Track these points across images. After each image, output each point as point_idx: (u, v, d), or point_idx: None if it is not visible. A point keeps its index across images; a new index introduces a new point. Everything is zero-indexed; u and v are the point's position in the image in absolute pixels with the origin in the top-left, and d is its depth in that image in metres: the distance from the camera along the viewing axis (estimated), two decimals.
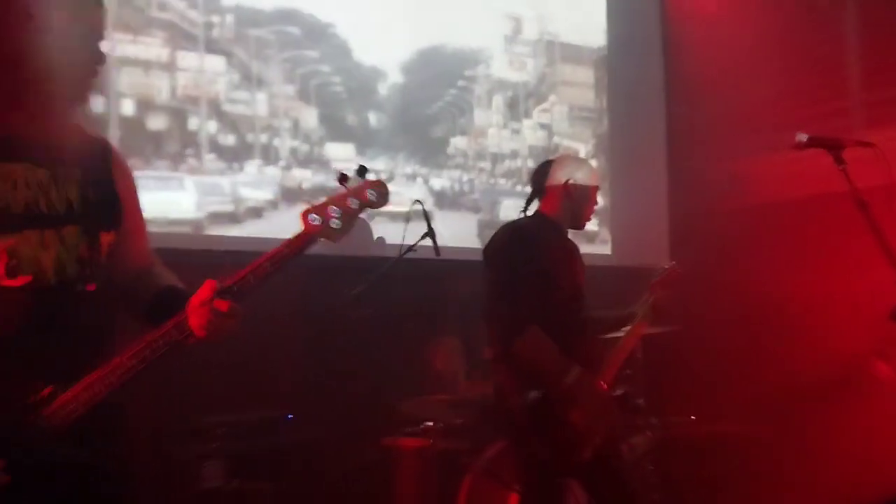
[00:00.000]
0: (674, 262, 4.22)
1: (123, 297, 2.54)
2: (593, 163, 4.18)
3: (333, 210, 2.34)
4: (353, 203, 2.35)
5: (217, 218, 5.58)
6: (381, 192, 2.39)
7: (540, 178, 4.17)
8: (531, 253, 3.90)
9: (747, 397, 5.79)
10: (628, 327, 4.13)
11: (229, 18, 5.71)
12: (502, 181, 6.81)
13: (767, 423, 5.77)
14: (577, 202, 4.07)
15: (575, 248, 4.19)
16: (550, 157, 4.28)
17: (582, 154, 7.00)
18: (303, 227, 2.34)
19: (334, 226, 2.34)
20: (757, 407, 5.81)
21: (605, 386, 3.87)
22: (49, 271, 2.29)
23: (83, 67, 2.34)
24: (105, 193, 2.45)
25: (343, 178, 2.37)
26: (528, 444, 3.85)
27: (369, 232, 5.98)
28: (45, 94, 2.29)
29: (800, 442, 5.56)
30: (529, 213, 4.17)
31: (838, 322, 5.29)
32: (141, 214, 2.61)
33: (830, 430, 5.33)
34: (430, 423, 4.98)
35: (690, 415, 5.59)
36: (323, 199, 2.35)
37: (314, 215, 2.33)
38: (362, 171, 2.39)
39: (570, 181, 4.05)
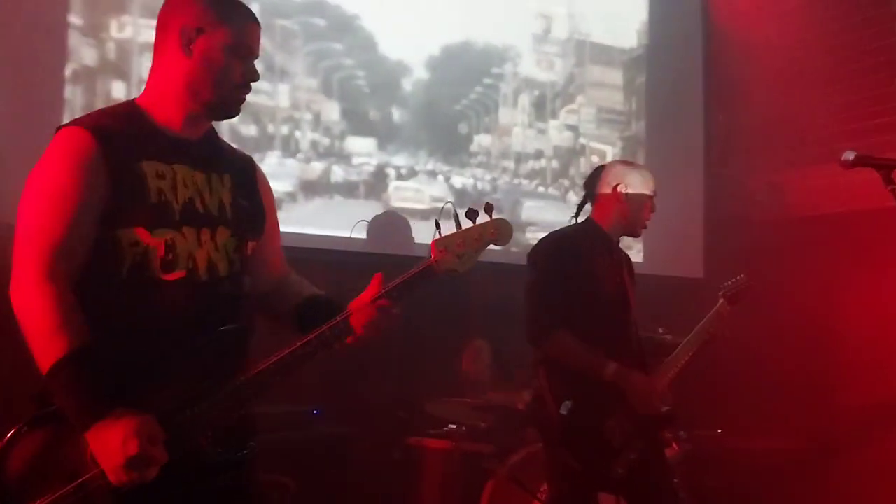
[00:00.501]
0: (742, 275, 4.14)
1: (262, 304, 2.70)
2: (645, 171, 4.06)
3: (461, 244, 2.50)
4: (481, 239, 2.53)
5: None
6: (506, 233, 2.57)
7: (591, 183, 4.14)
8: (570, 261, 3.89)
9: (779, 413, 5.77)
10: (686, 338, 4.09)
11: (255, 7, 5.57)
12: (525, 181, 6.73)
13: (798, 440, 5.75)
14: (628, 209, 4.01)
15: (624, 260, 4.16)
16: (603, 163, 4.25)
17: (608, 158, 6.96)
18: (432, 257, 2.51)
19: (461, 260, 2.51)
20: (788, 423, 5.79)
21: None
22: (201, 269, 2.42)
23: (242, 86, 2.49)
24: (252, 203, 2.61)
25: (472, 214, 2.50)
26: (560, 455, 3.84)
27: (410, 230, 5.98)
28: (206, 106, 2.47)
29: (831, 460, 5.55)
30: (581, 219, 4.15)
31: (872, 341, 5.28)
32: (278, 228, 2.79)
33: (864, 450, 5.33)
34: (455, 426, 4.99)
35: (718, 428, 5.57)
36: (453, 232, 2.50)
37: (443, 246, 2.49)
38: (486, 208, 2.55)
39: (620, 187, 3.99)
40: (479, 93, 6.60)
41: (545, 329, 3.80)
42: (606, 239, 4.05)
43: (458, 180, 6.43)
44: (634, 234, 4.14)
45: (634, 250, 6.71)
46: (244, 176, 2.62)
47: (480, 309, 5.45)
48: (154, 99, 2.48)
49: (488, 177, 6.60)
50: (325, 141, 5.91)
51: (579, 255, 3.92)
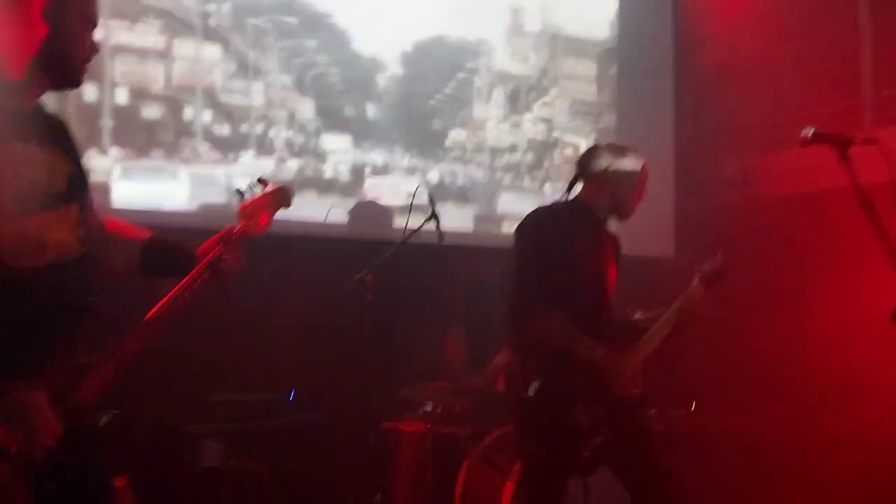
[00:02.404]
0: (719, 256, 4.07)
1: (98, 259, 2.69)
2: (638, 156, 4.10)
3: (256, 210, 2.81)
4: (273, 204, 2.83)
5: (210, 209, 5.55)
6: (288, 195, 2.88)
7: (583, 163, 4.12)
8: (550, 234, 3.89)
9: (750, 393, 5.83)
10: (658, 315, 4.04)
11: (226, 7, 5.73)
12: (501, 175, 6.82)
13: (768, 420, 5.80)
14: (617, 190, 4.02)
15: (610, 241, 4.16)
16: (598, 144, 4.22)
17: (582, 149, 6.96)
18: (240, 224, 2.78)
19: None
20: (758, 403, 5.85)
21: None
22: (64, 250, 2.42)
23: (81, 58, 2.51)
24: (81, 169, 2.60)
25: (263, 182, 2.85)
26: (528, 438, 3.87)
27: (390, 217, 6.06)
28: (45, 81, 2.47)
29: (801, 439, 5.61)
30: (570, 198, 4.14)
31: (842, 319, 5.34)
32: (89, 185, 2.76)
33: (834, 429, 5.38)
34: (429, 409, 5.03)
35: (690, 406, 5.60)
36: (249, 201, 2.82)
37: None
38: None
39: (611, 168, 4.00)
40: (452, 87, 6.67)
41: (530, 311, 3.80)
42: (592, 218, 4.05)
43: (434, 175, 6.50)
44: (622, 217, 4.11)
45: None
46: (67, 142, 2.59)
47: (455, 294, 5.51)
48: None
49: (464, 171, 6.67)
50: (300, 139, 5.97)
51: (560, 229, 3.90)
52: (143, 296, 2.59)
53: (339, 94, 6.15)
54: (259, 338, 5.14)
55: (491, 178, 6.75)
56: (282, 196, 2.85)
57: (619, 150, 4.08)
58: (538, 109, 7.06)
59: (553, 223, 3.96)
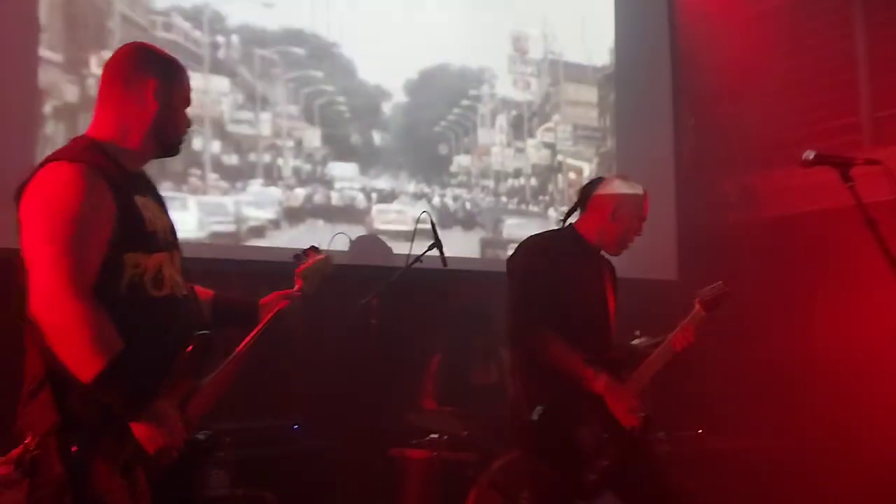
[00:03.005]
0: (720, 282, 4.04)
1: None
2: (641, 191, 4.07)
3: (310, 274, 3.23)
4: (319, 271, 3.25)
5: (219, 237, 5.56)
6: (331, 265, 3.29)
7: (586, 193, 4.10)
8: (547, 261, 3.87)
9: (757, 412, 5.77)
10: (660, 342, 4.00)
11: (235, 39, 5.73)
12: (506, 199, 6.80)
13: (776, 439, 5.74)
14: (615, 229, 3.99)
15: (604, 268, 4.13)
16: (603, 176, 4.22)
17: (586, 174, 7.04)
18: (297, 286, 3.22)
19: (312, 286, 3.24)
20: (766, 422, 5.78)
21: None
22: (176, 287, 2.81)
23: (182, 132, 2.97)
24: (172, 224, 2.98)
25: (315, 251, 3.29)
26: (534, 461, 3.83)
27: (389, 252, 6.04)
28: (154, 149, 2.92)
29: (810, 458, 5.54)
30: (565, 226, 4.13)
31: (848, 337, 5.29)
32: None
33: (840, 446, 5.32)
34: (436, 435, 4.97)
35: (698, 429, 5.55)
36: (308, 265, 3.23)
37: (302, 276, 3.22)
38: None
39: (615, 209, 3.98)
40: (457, 114, 6.67)
41: (527, 326, 3.78)
42: (585, 246, 4.03)
43: (440, 201, 6.48)
44: (614, 252, 4.10)
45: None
46: (161, 198, 2.99)
47: (458, 318, 5.46)
48: (112, 136, 2.83)
49: (469, 196, 6.65)
50: (308, 167, 5.96)
51: (556, 257, 3.90)
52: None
53: (346, 123, 6.14)
54: (264, 365, 5.09)
55: (496, 203, 6.73)
56: (327, 264, 3.27)
57: (624, 185, 4.04)
58: (541, 135, 7.05)
59: (547, 251, 3.95)
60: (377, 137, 6.28)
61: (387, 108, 6.33)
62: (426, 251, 4.85)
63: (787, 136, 5.95)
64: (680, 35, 7.44)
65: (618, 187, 4.02)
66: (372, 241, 6.04)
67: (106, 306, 2.55)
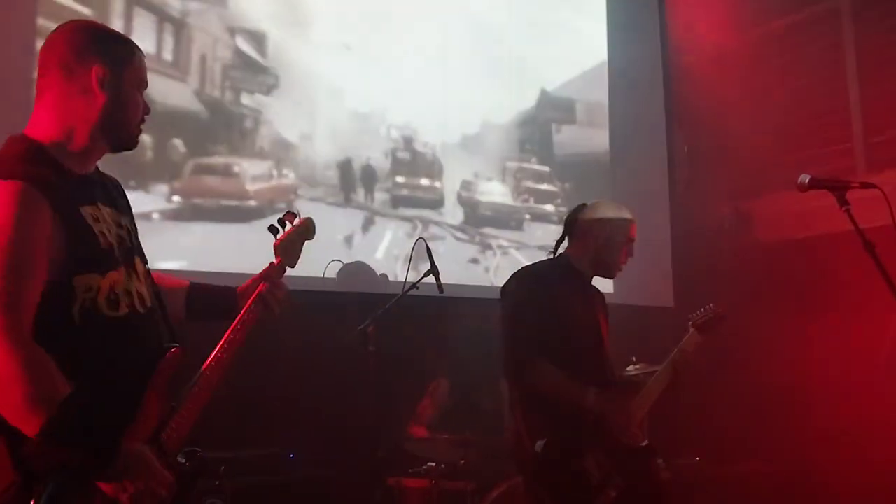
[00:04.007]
0: (712, 305, 3.99)
1: None
2: (627, 213, 3.98)
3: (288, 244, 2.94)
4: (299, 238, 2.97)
5: None
6: (312, 228, 3.00)
7: (571, 220, 4.01)
8: (540, 294, 3.77)
9: (754, 437, 5.71)
10: (657, 369, 3.94)
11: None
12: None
13: (774, 463, 5.68)
14: (604, 251, 3.90)
15: (597, 297, 4.04)
16: (586, 202, 4.10)
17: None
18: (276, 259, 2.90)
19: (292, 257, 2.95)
20: (764, 447, 5.72)
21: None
22: (137, 302, 2.48)
23: (136, 122, 2.57)
24: (134, 225, 2.68)
25: (290, 217, 2.93)
26: (539, 494, 3.69)
27: (375, 275, 5.93)
28: (119, 142, 2.55)
29: (808, 482, 5.47)
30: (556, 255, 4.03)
31: (844, 360, 5.24)
32: None
33: (838, 469, 5.25)
34: (433, 464, 4.84)
35: (695, 456, 5.48)
36: (281, 237, 2.91)
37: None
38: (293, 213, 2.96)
39: (601, 232, 3.89)
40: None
41: (523, 360, 3.66)
42: (578, 275, 3.94)
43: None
44: (608, 276, 4.03)
45: (605, 281, 6.67)
46: (123, 200, 2.68)
47: (455, 344, 5.35)
48: (53, 135, 2.43)
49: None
50: None
51: (549, 288, 3.81)
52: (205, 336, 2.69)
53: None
54: (260, 392, 4.97)
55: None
56: (307, 228, 2.98)
57: (611, 210, 3.96)
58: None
59: (540, 281, 3.86)
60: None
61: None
62: (421, 278, 4.74)
63: (781, 162, 5.90)
64: (673, 62, 7.40)
65: (602, 212, 3.93)
66: (360, 270, 5.91)
67: (57, 336, 2.25)
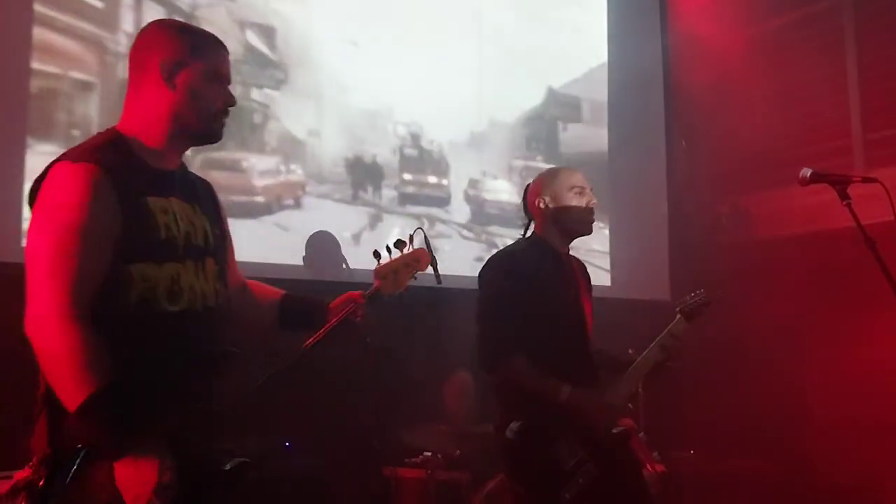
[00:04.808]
0: (701, 290, 3.88)
1: (236, 317, 2.77)
2: (565, 171, 3.89)
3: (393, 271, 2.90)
4: (408, 266, 2.94)
5: None
6: (426, 260, 2.99)
7: (524, 201, 3.96)
8: (515, 280, 3.69)
9: (750, 432, 5.65)
10: (643, 353, 3.80)
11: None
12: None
13: (770, 459, 5.62)
14: (558, 217, 3.79)
15: (576, 269, 3.95)
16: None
17: None
18: (375, 284, 2.87)
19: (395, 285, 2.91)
20: (758, 443, 5.66)
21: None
22: (199, 300, 2.47)
23: (223, 112, 2.57)
24: (220, 230, 2.68)
25: (401, 245, 2.92)
26: (514, 482, 3.68)
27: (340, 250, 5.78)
28: (193, 135, 2.58)
29: (802, 479, 5.42)
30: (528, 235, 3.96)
31: (841, 358, 5.18)
32: (233, 245, 2.85)
33: (834, 468, 5.19)
34: (430, 454, 4.81)
35: (690, 449, 5.43)
36: (387, 261, 2.89)
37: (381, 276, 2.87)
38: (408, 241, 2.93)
39: (540, 200, 3.80)
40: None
41: (496, 355, 3.62)
42: (552, 252, 3.84)
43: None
44: (582, 233, 3.87)
45: (602, 275, 6.65)
46: (211, 203, 2.68)
47: (457, 337, 5.29)
48: (137, 129, 2.49)
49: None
50: None
51: (524, 272, 3.70)
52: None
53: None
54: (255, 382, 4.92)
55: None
56: (417, 260, 2.95)
57: (549, 177, 3.86)
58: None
59: (513, 265, 3.77)
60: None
61: None
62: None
63: (779, 159, 5.84)
64: (672, 58, 7.33)
65: (536, 182, 3.87)
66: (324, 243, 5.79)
67: (112, 322, 2.28)
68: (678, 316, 3.84)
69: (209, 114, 2.53)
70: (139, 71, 2.52)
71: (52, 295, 2.22)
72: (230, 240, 2.82)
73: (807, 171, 3.32)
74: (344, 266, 5.62)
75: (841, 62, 6.12)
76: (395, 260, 2.89)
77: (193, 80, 2.49)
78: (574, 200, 3.77)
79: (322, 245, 5.63)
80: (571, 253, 3.97)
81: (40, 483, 2.21)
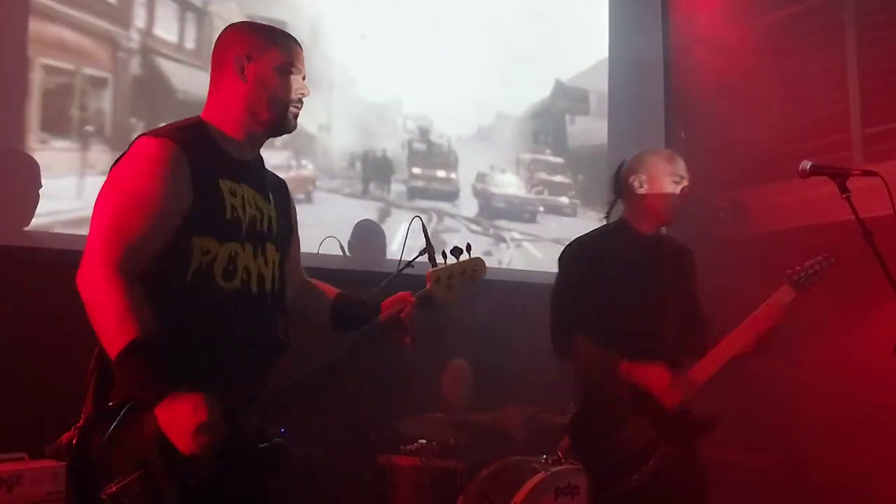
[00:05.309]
0: (823, 256, 3.62)
1: (293, 311, 2.85)
2: (665, 151, 3.81)
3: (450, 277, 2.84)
4: (464, 274, 2.87)
5: None
6: (483, 270, 2.92)
7: (615, 180, 3.77)
8: (590, 266, 3.59)
9: (747, 426, 5.58)
10: (735, 331, 3.59)
11: None
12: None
13: (758, 452, 5.56)
14: (650, 201, 3.63)
15: (666, 256, 3.74)
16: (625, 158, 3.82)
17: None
18: (428, 286, 2.83)
19: (450, 290, 2.85)
20: (755, 435, 5.59)
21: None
22: (254, 282, 2.56)
23: (294, 101, 2.64)
24: (288, 221, 2.78)
25: (457, 252, 2.83)
26: (584, 465, 3.60)
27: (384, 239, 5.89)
28: (265, 124, 2.63)
29: (799, 472, 5.36)
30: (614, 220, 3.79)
31: (840, 352, 5.11)
32: (299, 242, 2.97)
33: (832, 462, 5.12)
34: (424, 442, 4.79)
35: None
36: (444, 266, 2.83)
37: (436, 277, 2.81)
38: (467, 247, 2.85)
39: (637, 177, 3.65)
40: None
41: (564, 338, 3.53)
42: (637, 237, 3.67)
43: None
44: (665, 223, 3.70)
45: None
46: (282, 197, 2.78)
47: (457, 327, 5.28)
48: (217, 119, 2.61)
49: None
50: None
51: (600, 259, 3.59)
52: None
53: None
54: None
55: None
56: (472, 268, 2.89)
57: (644, 152, 3.73)
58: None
59: (588, 251, 3.68)
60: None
61: None
62: (416, 257, 4.68)
63: (778, 152, 5.77)
64: (673, 51, 7.27)
65: (638, 158, 3.70)
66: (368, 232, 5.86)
67: (167, 292, 2.38)
68: (784, 286, 3.62)
69: (279, 104, 2.60)
70: (218, 69, 2.64)
71: (104, 249, 2.29)
72: (297, 236, 2.92)
73: (807, 164, 3.26)
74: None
75: (841, 56, 6.04)
76: (452, 266, 2.84)
77: (262, 71, 2.58)
78: (670, 188, 3.64)
79: (364, 233, 5.73)
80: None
81: (73, 442, 2.27)
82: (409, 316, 2.76)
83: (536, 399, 5.24)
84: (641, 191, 3.64)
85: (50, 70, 4.76)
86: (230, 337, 2.45)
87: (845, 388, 5.08)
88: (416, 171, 6.23)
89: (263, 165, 2.77)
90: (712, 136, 6.60)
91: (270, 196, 2.70)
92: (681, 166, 3.69)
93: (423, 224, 4.69)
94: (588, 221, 6.85)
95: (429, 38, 6.26)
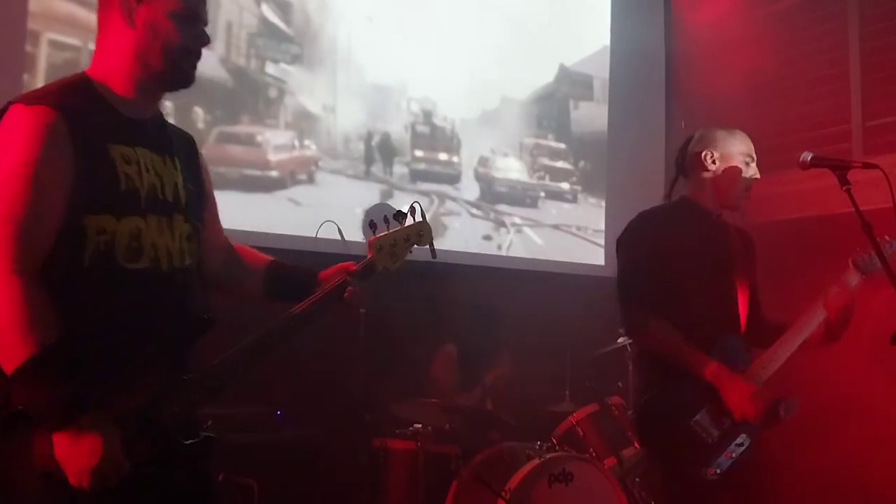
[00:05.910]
0: (889, 237, 3.32)
1: (217, 281, 2.57)
2: (740, 135, 3.51)
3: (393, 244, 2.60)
4: (409, 240, 2.65)
5: None
6: (428, 234, 2.70)
7: (681, 156, 3.57)
8: (655, 244, 3.34)
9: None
10: (798, 324, 3.40)
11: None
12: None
13: (760, 445, 5.49)
14: (720, 179, 3.43)
15: (730, 238, 3.53)
16: (692, 133, 3.62)
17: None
18: (369, 255, 2.56)
19: (393, 259, 2.61)
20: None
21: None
22: (163, 258, 2.24)
23: (191, 51, 2.31)
24: (196, 187, 2.42)
25: (400, 216, 2.60)
26: (655, 455, 3.42)
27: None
28: (157, 76, 2.28)
29: (791, 462, 5.29)
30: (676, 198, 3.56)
31: (839, 344, 5.05)
32: (216, 204, 2.59)
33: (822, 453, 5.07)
34: (420, 426, 4.75)
35: None
36: (386, 233, 2.58)
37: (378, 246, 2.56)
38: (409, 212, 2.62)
39: (709, 151, 3.44)
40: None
41: (639, 320, 3.29)
42: (703, 215, 3.47)
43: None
44: (733, 207, 3.51)
45: (596, 253, 6.60)
46: (189, 158, 2.44)
47: (449, 310, 5.24)
48: (104, 73, 2.26)
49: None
50: None
51: (664, 236, 3.35)
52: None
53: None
54: None
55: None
56: (416, 232, 2.66)
57: (716, 134, 3.51)
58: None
59: (652, 228, 3.43)
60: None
61: None
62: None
63: (778, 144, 5.67)
64: (674, 40, 7.18)
65: (707, 135, 3.50)
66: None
67: (64, 280, 2.06)
68: (849, 266, 3.45)
69: (174, 53, 2.25)
70: (104, 13, 2.28)
71: None
72: (211, 199, 2.56)
73: (807, 155, 3.15)
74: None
75: (843, 48, 5.97)
76: (394, 232, 2.58)
77: (154, 16, 2.22)
78: (742, 167, 3.46)
79: (379, 217, 5.60)
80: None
81: None
82: (352, 294, 2.48)
83: (534, 386, 5.21)
84: (712, 167, 3.45)
85: (56, 45, 4.70)
86: (143, 324, 2.15)
87: (843, 376, 5.01)
88: (419, 153, 6.16)
89: (164, 124, 2.42)
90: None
91: (176, 159, 2.35)
92: (752, 147, 3.50)
93: (421, 209, 4.65)
94: (589, 208, 6.80)
95: (435, 21, 6.19)
